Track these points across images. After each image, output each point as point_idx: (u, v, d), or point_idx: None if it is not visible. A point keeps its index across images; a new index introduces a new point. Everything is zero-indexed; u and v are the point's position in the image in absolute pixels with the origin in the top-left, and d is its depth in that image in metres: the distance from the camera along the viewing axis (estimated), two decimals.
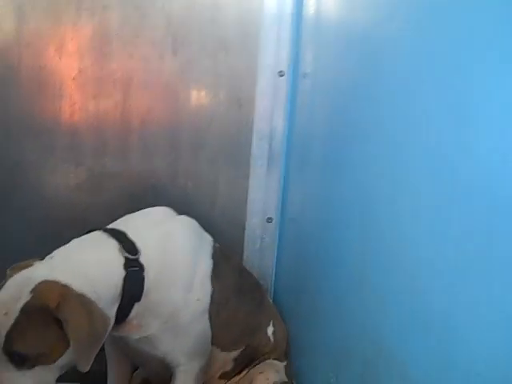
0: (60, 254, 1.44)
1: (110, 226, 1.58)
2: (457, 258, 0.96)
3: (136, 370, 1.85)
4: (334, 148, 1.64)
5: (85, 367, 1.32)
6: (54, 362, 1.33)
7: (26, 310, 1.29)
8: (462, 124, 0.96)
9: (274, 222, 2.08)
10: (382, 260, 1.24)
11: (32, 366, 1.32)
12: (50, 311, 1.28)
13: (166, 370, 1.66)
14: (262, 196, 2.05)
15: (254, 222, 2.06)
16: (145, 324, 1.51)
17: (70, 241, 1.48)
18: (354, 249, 1.42)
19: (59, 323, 1.29)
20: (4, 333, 1.28)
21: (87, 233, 1.53)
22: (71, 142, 1.92)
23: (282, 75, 1.98)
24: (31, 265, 1.40)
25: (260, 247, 2.08)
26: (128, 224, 1.56)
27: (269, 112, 2.00)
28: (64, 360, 1.34)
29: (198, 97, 1.97)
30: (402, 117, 1.21)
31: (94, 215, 1.95)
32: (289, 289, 2.00)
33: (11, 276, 1.37)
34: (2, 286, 1.36)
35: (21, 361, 1.30)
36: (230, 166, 2.03)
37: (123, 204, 1.94)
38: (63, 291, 1.31)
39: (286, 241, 2.05)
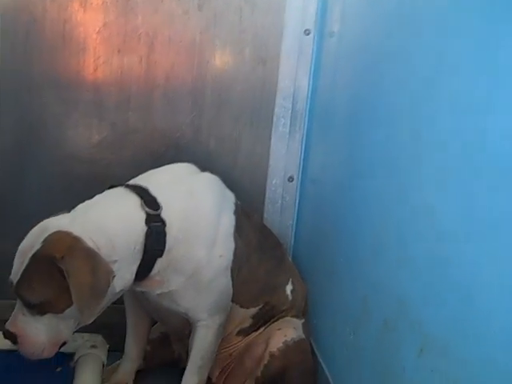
0: (82, 207, 1.46)
1: (132, 181, 1.58)
2: (482, 221, 0.96)
3: (154, 324, 1.88)
4: (357, 108, 1.63)
5: (86, 319, 1.36)
6: (62, 312, 1.38)
7: (34, 259, 1.34)
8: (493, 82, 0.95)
9: (294, 181, 2.07)
10: (405, 220, 1.24)
11: (42, 313, 1.37)
12: (55, 261, 1.31)
13: (184, 325, 1.69)
14: (283, 155, 2.05)
15: (275, 181, 2.06)
16: (167, 280, 1.53)
17: (91, 197, 1.50)
18: (375, 209, 1.42)
19: (64, 274, 1.31)
20: (17, 278, 1.35)
21: (109, 188, 1.54)
22: (94, 96, 1.91)
23: (308, 33, 1.95)
24: None
25: (280, 206, 2.09)
26: (150, 180, 1.56)
27: (293, 71, 1.98)
28: (74, 312, 1.37)
29: (222, 53, 1.95)
30: (428, 76, 1.20)
31: (116, 171, 1.96)
32: (308, 248, 2.01)
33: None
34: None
35: (30, 306, 1.36)
36: (253, 124, 2.02)
37: (145, 160, 1.94)
38: (72, 243, 1.34)
39: (307, 200, 2.05)
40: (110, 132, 1.95)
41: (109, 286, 1.37)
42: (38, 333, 1.38)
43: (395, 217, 1.30)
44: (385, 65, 1.44)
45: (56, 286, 1.33)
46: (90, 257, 1.34)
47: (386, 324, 1.30)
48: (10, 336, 1.39)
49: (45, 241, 1.34)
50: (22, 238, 1.41)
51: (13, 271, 1.38)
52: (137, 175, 1.62)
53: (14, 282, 1.36)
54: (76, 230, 1.36)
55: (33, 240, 1.37)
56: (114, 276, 1.38)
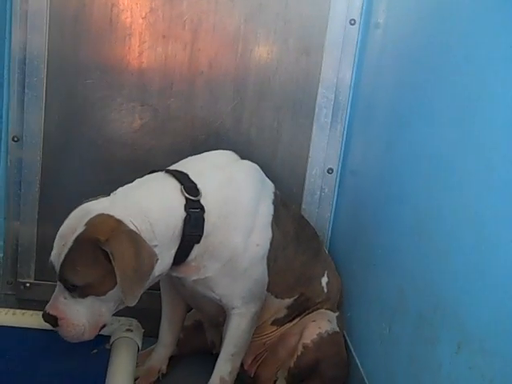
0: (122, 191, 1.47)
1: (173, 166, 1.59)
2: None
3: (189, 311, 1.89)
4: (400, 102, 1.61)
5: (130, 301, 1.36)
6: (104, 294, 1.39)
7: (78, 241, 1.35)
8: None
9: (334, 173, 2.06)
10: (446, 215, 1.23)
11: (84, 295, 1.39)
12: (99, 244, 1.32)
13: (219, 312, 1.69)
14: (324, 146, 2.03)
15: (314, 172, 2.05)
16: (203, 266, 1.53)
17: (130, 181, 1.51)
18: (415, 203, 1.41)
19: (108, 256, 1.33)
20: (60, 261, 1.36)
21: (150, 173, 1.55)
22: (138, 81, 1.93)
23: (353, 24, 1.93)
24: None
25: (319, 198, 2.08)
26: (191, 166, 1.57)
27: (337, 61, 1.96)
28: (115, 295, 1.39)
29: (266, 43, 1.94)
30: (474, 70, 1.17)
31: (157, 156, 1.97)
32: (345, 240, 2.00)
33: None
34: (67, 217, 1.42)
35: (73, 289, 1.38)
36: (294, 114, 2.01)
37: (186, 147, 1.96)
38: (115, 225, 1.35)
39: (345, 193, 2.04)
40: (151, 117, 1.96)
41: (153, 269, 1.38)
42: (80, 315, 1.40)
43: (436, 210, 1.28)
44: (430, 58, 1.42)
45: (100, 269, 1.35)
46: (134, 240, 1.35)
47: (422, 318, 1.29)
48: (51, 319, 1.41)
49: (88, 224, 1.35)
50: (60, 218, 1.42)
51: (53, 253, 1.39)
52: (177, 161, 1.63)
53: (56, 264, 1.38)
54: (117, 214, 1.37)
55: (74, 223, 1.38)
56: (158, 259, 1.39)
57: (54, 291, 1.43)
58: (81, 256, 1.35)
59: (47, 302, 1.43)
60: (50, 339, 1.48)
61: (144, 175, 1.54)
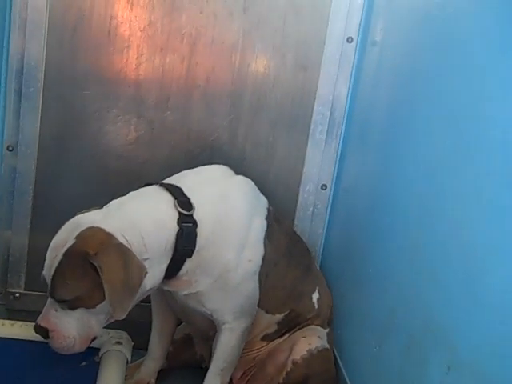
0: (115, 203, 1.47)
1: (167, 180, 1.59)
2: None
3: (179, 324, 1.88)
4: (396, 119, 1.62)
5: (119, 314, 1.37)
6: (94, 307, 1.39)
7: (67, 255, 1.35)
8: None
9: (328, 189, 2.06)
10: (438, 236, 1.23)
11: (74, 308, 1.39)
12: (88, 257, 1.33)
13: (209, 327, 1.69)
14: (318, 162, 2.04)
15: (308, 188, 2.05)
16: (195, 281, 1.53)
17: (124, 193, 1.51)
18: (408, 222, 1.41)
19: (97, 270, 1.33)
20: (51, 274, 1.36)
21: (144, 186, 1.55)
22: (135, 93, 1.93)
23: (350, 41, 1.94)
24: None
25: (312, 214, 2.08)
26: (185, 180, 1.57)
27: (333, 78, 1.97)
28: (105, 307, 1.39)
29: (263, 58, 1.95)
30: (471, 91, 1.18)
31: (151, 169, 1.97)
32: (337, 257, 2.00)
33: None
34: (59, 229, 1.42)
35: (63, 301, 1.38)
36: (290, 130, 2.01)
37: (180, 160, 1.96)
38: (104, 239, 1.35)
39: (338, 209, 2.04)
40: (147, 130, 1.96)
41: (141, 282, 1.38)
42: (70, 327, 1.40)
43: (428, 231, 1.28)
44: (426, 77, 1.43)
45: (89, 282, 1.35)
46: (123, 253, 1.35)
47: (412, 339, 1.29)
48: (42, 331, 1.41)
49: (78, 237, 1.36)
50: (53, 229, 1.43)
51: (45, 266, 1.40)
52: (171, 174, 1.63)
53: (48, 277, 1.38)
54: (108, 227, 1.38)
55: (65, 236, 1.39)
56: (147, 273, 1.39)
57: (43, 302, 1.43)
58: (70, 269, 1.35)
59: (37, 312, 1.43)
60: (40, 350, 1.48)
61: (138, 188, 1.54)
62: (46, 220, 1.91)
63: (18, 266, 2.00)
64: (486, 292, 1.02)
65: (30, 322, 1.45)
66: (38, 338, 1.43)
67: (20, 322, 1.64)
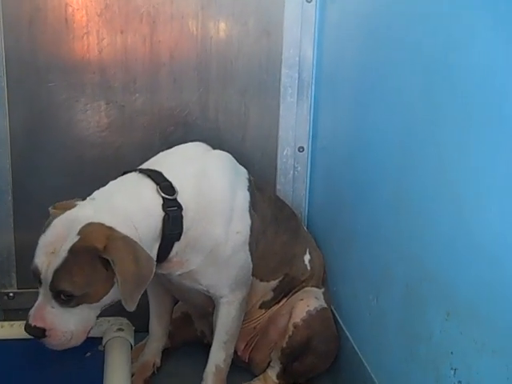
0: (101, 195, 1.46)
1: (146, 164, 1.58)
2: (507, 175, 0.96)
3: (176, 303, 1.90)
4: (366, 74, 1.61)
5: (131, 307, 1.36)
6: (98, 301, 1.39)
7: (74, 251, 1.32)
8: None
9: (305, 151, 2.07)
10: (424, 183, 1.24)
11: (77, 305, 1.37)
12: (97, 252, 1.31)
13: (207, 303, 1.71)
14: (292, 125, 2.04)
15: (285, 152, 2.06)
16: (186, 260, 1.54)
17: (103, 180, 1.50)
18: (390, 174, 1.42)
19: (105, 264, 1.33)
20: (52, 271, 1.33)
21: (123, 174, 1.53)
22: (101, 79, 1.90)
23: (309, 1, 1.93)
24: (74, 205, 1.42)
25: (292, 177, 2.09)
26: (163, 163, 1.56)
27: (297, 40, 1.96)
28: (107, 300, 1.40)
29: (225, 27, 1.93)
30: (437, 39, 1.19)
31: (127, 153, 1.96)
32: (323, 217, 2.01)
33: (55, 215, 1.40)
34: (48, 224, 1.38)
35: (67, 299, 1.35)
36: (260, 96, 2.01)
37: (155, 140, 1.96)
38: (109, 233, 1.34)
39: (319, 169, 2.05)
40: (118, 114, 1.94)
41: (152, 273, 1.39)
42: (67, 324, 1.38)
43: (413, 178, 1.30)
44: (390, 25, 1.43)
45: (98, 277, 1.34)
46: (131, 245, 1.35)
47: (409, 288, 1.31)
48: (37, 331, 1.37)
49: (81, 233, 1.33)
50: (37, 224, 1.40)
51: (39, 263, 1.34)
52: (147, 156, 1.62)
53: (45, 273, 1.34)
54: (106, 221, 1.36)
55: (62, 231, 1.35)
56: (155, 263, 1.40)
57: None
58: (78, 266, 1.33)
59: None
60: (42, 347, 1.45)
61: (117, 175, 1.53)
62: (29, 216, 1.89)
63: (7, 266, 2.00)
64: (479, 233, 1.03)
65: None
66: None
67: (19, 322, 1.63)
